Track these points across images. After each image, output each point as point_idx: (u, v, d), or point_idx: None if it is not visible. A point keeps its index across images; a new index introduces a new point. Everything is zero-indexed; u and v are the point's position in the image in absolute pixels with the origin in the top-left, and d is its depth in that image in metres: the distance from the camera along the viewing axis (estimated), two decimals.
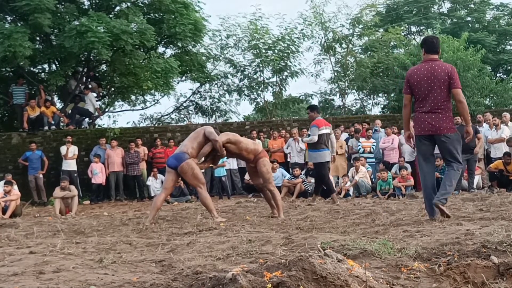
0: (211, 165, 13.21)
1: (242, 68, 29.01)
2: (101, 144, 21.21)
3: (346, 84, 30.20)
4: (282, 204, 12.09)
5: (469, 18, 34.41)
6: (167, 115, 31.99)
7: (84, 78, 25.17)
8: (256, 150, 11.72)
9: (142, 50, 24.85)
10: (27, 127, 22.07)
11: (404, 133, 9.53)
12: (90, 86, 24.57)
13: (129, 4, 23.85)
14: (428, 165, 8.99)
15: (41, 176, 20.29)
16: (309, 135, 15.35)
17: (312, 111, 15.36)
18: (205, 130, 11.44)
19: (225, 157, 13.78)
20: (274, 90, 29.35)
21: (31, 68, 24.88)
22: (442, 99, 8.70)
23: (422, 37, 10.37)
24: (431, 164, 9.07)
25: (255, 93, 29.46)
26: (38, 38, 24.03)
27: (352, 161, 18.91)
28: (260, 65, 28.32)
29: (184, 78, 28.80)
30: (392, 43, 31.08)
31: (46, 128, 22.28)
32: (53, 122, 22.64)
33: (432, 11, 36.17)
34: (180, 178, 11.98)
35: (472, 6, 35.16)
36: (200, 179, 11.29)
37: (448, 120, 8.78)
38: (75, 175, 20.24)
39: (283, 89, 29.56)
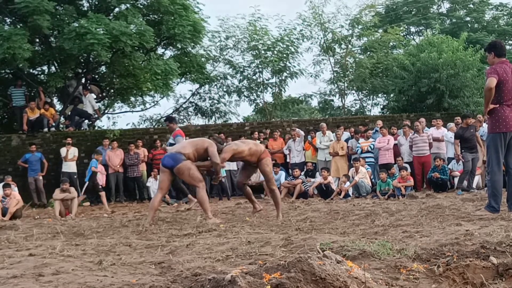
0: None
1: (241, 69, 29.03)
2: (104, 145, 21.16)
3: (346, 84, 30.21)
4: (282, 205, 12.20)
5: (468, 18, 34.45)
6: (166, 116, 31.97)
7: (83, 80, 25.15)
8: (259, 151, 11.89)
9: (141, 51, 24.84)
10: (26, 129, 22.05)
11: (486, 109, 9.35)
12: (89, 88, 24.56)
13: (128, 5, 23.82)
14: (501, 164, 9.32)
15: (40, 178, 20.28)
16: (169, 144, 15.45)
17: (171, 122, 15.71)
18: (209, 149, 11.50)
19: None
20: (274, 91, 29.38)
21: (31, 70, 24.83)
22: None
23: (488, 42, 10.60)
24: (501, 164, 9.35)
25: (254, 94, 29.49)
26: (37, 40, 23.98)
27: (351, 162, 18.91)
28: (260, 66, 28.35)
29: (183, 79, 28.82)
30: (391, 44, 31.11)
31: (45, 130, 22.27)
32: (53, 124, 22.66)
33: (431, 11, 36.24)
34: (174, 178, 11.98)
35: (471, 6, 35.20)
36: (198, 178, 11.38)
37: None
38: (75, 176, 20.23)
39: (283, 90, 29.60)
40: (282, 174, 19.42)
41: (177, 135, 15.02)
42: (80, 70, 25.35)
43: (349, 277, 4.23)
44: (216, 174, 12.01)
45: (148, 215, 11.53)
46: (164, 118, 16.73)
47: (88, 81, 25.13)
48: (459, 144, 16.93)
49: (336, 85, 30.57)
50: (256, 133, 21.92)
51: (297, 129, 20.91)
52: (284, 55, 28.16)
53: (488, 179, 9.51)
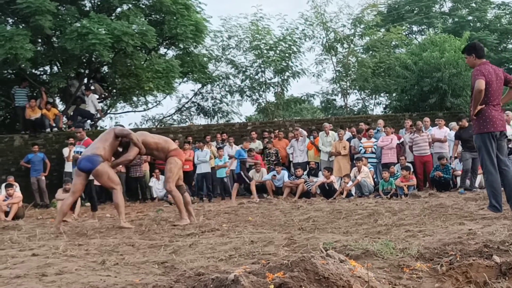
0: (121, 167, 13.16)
1: (243, 69, 29.06)
2: None
3: (348, 84, 30.19)
4: (184, 208, 11.71)
5: (470, 17, 34.36)
6: (169, 116, 32.03)
7: (86, 80, 25.18)
8: (167, 148, 11.66)
9: (143, 51, 24.86)
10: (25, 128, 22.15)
11: (474, 110, 9.31)
12: (92, 88, 24.58)
13: (130, 5, 23.86)
14: (495, 163, 9.32)
15: (43, 178, 20.29)
16: (79, 153, 15.44)
17: (83, 129, 16.14)
18: (115, 129, 11.43)
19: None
20: (276, 90, 29.38)
21: (33, 70, 24.88)
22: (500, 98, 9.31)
23: (468, 43, 10.95)
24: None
25: (257, 93, 29.48)
26: (39, 40, 24.02)
27: (354, 161, 18.88)
28: (262, 65, 28.37)
29: (185, 79, 28.85)
30: (393, 43, 31.09)
31: (48, 130, 22.27)
32: (54, 125, 22.65)
33: (434, 11, 36.17)
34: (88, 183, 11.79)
35: (474, 5, 35.14)
36: (115, 181, 11.25)
37: None
38: None
39: (285, 89, 29.61)
40: (285, 173, 19.40)
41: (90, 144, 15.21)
42: (82, 70, 25.37)
43: (352, 276, 4.23)
44: (140, 150, 11.42)
45: (56, 218, 11.39)
46: (76, 125, 16.84)
47: (91, 81, 25.16)
48: (458, 144, 16.95)
49: (338, 84, 30.58)
50: (254, 133, 21.98)
51: (299, 129, 20.89)
52: (286, 55, 28.19)
53: (485, 179, 9.53)
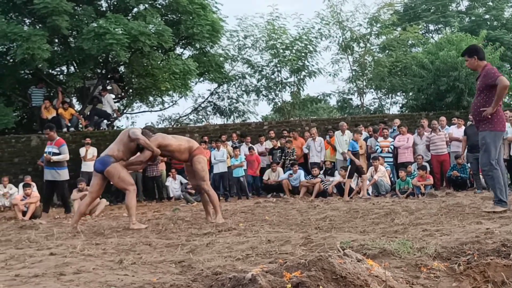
0: (144, 166, 13.10)
1: (259, 69, 29.10)
2: None
3: (364, 83, 30.15)
4: (220, 206, 11.81)
5: (487, 16, 34.14)
6: (185, 116, 32.11)
7: (102, 80, 25.28)
8: (191, 148, 11.49)
9: (160, 51, 24.92)
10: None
11: (495, 108, 9.26)
12: (109, 87, 24.66)
13: (146, 5, 23.93)
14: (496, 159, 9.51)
15: None
16: (50, 153, 15.47)
17: (51, 130, 15.96)
18: (129, 131, 11.31)
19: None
20: (292, 90, 29.38)
21: (50, 70, 24.98)
22: None
23: (469, 45, 11.07)
24: None
25: (273, 93, 29.52)
26: (56, 41, 24.14)
27: (371, 161, 18.83)
28: (278, 65, 28.41)
29: (202, 79, 28.91)
30: (410, 42, 30.98)
31: (64, 130, 22.34)
32: (69, 124, 22.70)
33: (450, 9, 35.98)
34: (110, 181, 11.69)
35: (490, 3, 34.87)
36: (128, 181, 11.17)
37: None
38: None
39: (301, 89, 29.61)
40: (301, 173, 19.39)
41: (62, 144, 15.47)
42: (99, 70, 25.46)
43: (369, 276, 4.22)
44: (153, 153, 11.19)
45: (73, 218, 11.44)
46: (45, 126, 16.89)
47: (107, 81, 25.24)
48: (466, 141, 16.75)
49: (354, 83, 30.55)
50: (273, 132, 21.97)
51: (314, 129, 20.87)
52: (303, 54, 28.18)
53: (491, 176, 9.55)
